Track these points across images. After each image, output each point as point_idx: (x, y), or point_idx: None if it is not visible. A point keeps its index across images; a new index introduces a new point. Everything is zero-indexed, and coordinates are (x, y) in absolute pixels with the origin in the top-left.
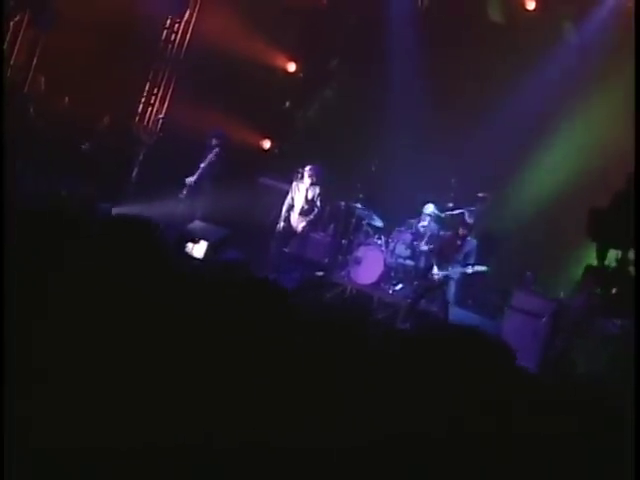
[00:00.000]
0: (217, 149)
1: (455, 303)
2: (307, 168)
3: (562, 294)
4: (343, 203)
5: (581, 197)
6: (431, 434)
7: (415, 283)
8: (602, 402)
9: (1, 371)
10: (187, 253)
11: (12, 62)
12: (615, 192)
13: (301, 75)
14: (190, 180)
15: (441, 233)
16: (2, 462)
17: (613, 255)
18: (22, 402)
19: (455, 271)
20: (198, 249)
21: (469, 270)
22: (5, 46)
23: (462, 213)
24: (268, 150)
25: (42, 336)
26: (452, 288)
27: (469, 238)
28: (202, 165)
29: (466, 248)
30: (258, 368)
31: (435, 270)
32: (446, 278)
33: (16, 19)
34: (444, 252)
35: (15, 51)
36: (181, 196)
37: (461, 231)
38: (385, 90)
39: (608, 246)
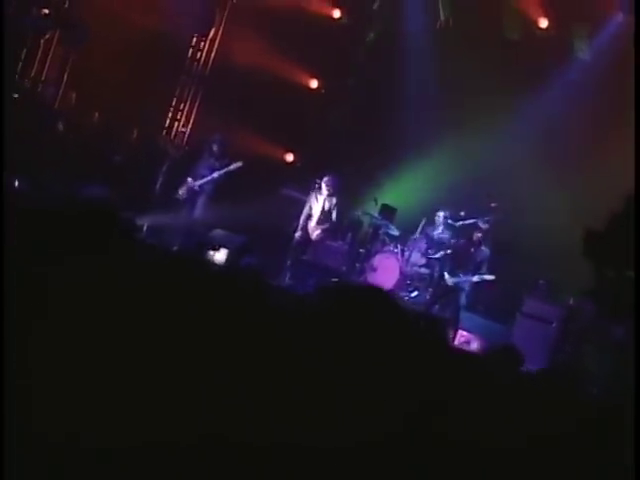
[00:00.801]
0: (240, 163)
1: (466, 308)
2: (325, 179)
3: (571, 300)
4: (360, 213)
5: (592, 206)
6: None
7: (429, 290)
8: (607, 405)
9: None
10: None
11: (43, 78)
12: (611, 213)
13: (323, 91)
14: (194, 183)
15: (452, 241)
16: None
17: (610, 275)
18: (21, 404)
19: (466, 279)
20: (219, 256)
21: (475, 279)
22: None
23: (476, 220)
24: (291, 163)
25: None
26: (463, 294)
27: (483, 247)
28: (215, 174)
29: (479, 257)
30: (265, 371)
31: (447, 277)
32: (457, 285)
33: (47, 37)
34: (458, 259)
35: (46, 68)
36: (179, 197)
37: (475, 236)
38: (401, 104)
39: (604, 267)
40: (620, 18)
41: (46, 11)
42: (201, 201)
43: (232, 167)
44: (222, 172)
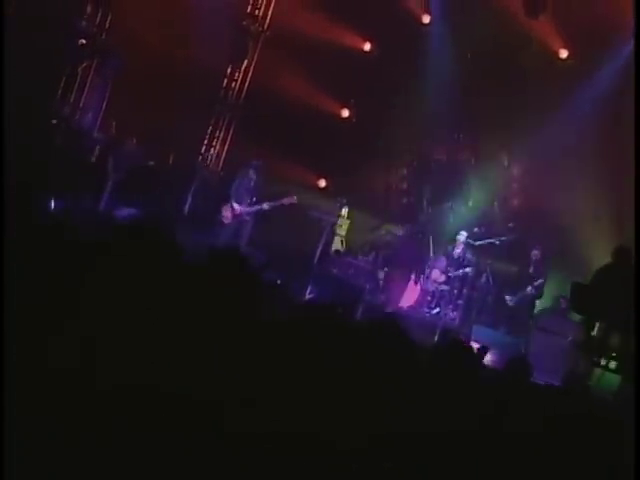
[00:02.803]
0: (294, 199)
1: (481, 322)
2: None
3: None
4: (384, 231)
5: (605, 231)
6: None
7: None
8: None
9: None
10: None
11: (81, 105)
12: (597, 267)
13: (354, 120)
14: (242, 210)
15: (472, 259)
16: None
17: (601, 326)
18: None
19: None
20: None
21: (529, 290)
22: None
23: (493, 240)
24: (324, 188)
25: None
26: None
27: (540, 267)
28: (266, 205)
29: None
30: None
31: (508, 299)
32: (517, 304)
33: (84, 65)
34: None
35: (84, 95)
36: (225, 220)
37: (534, 255)
38: (425, 130)
39: (594, 318)
40: (632, 46)
41: (83, 41)
42: (247, 228)
43: (285, 201)
44: (276, 204)
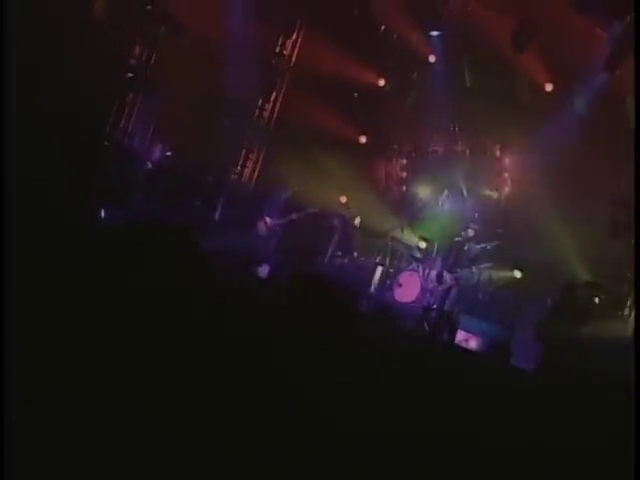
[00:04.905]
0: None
1: (469, 312)
2: None
3: None
4: (391, 237)
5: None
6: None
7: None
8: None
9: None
10: (253, 274)
11: (130, 130)
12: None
13: (369, 146)
14: (274, 223)
15: (462, 259)
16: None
17: None
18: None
19: (463, 274)
20: (262, 270)
21: (474, 270)
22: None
23: (485, 245)
24: (345, 204)
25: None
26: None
27: (477, 245)
28: (294, 216)
29: (471, 254)
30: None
31: (445, 275)
32: (456, 281)
33: (131, 96)
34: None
35: (132, 122)
36: (260, 233)
37: (468, 234)
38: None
39: None
40: (605, 77)
41: (130, 74)
42: (277, 236)
43: (310, 211)
44: (302, 214)
